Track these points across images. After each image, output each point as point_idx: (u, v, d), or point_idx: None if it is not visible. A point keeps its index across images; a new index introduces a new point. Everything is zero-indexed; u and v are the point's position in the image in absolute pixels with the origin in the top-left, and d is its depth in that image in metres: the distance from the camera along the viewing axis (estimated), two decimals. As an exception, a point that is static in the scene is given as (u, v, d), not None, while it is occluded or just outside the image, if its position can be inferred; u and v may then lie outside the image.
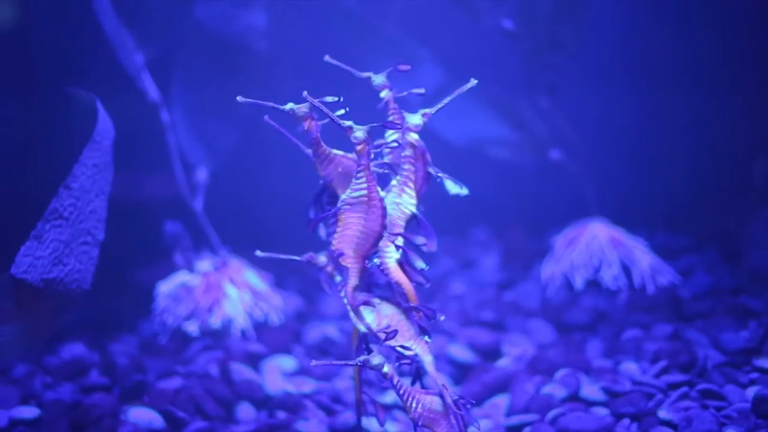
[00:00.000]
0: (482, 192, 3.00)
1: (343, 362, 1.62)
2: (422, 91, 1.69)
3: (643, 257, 2.64)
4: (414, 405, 1.65)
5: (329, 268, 1.77)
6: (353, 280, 1.67)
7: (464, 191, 1.73)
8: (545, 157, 2.75)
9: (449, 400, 1.67)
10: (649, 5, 2.83)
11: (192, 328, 2.51)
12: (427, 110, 1.70)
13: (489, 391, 2.19)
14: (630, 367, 2.21)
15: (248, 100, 1.67)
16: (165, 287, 2.57)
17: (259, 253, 1.74)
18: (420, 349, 1.70)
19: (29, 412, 2.10)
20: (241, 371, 2.30)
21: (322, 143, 1.69)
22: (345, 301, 1.69)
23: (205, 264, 2.58)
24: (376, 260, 1.69)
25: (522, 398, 2.10)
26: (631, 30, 2.84)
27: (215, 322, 2.50)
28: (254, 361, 2.38)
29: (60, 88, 2.15)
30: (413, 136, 1.69)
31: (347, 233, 1.66)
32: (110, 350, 2.47)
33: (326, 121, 1.64)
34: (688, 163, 2.91)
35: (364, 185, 1.63)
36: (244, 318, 2.51)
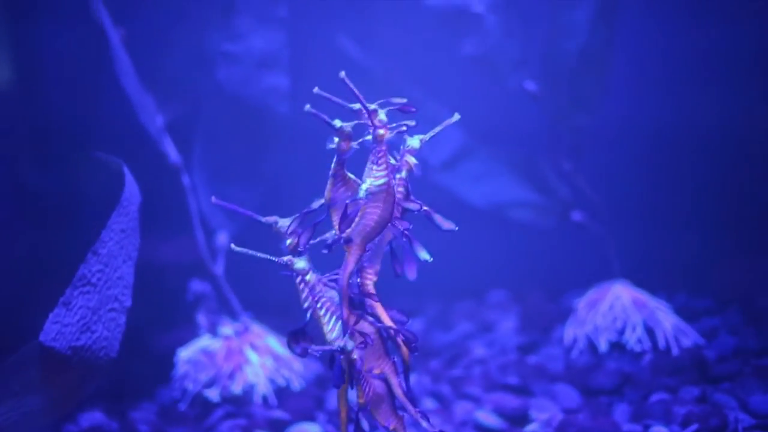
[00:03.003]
0: (500, 254, 3.02)
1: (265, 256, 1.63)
2: (413, 123, 1.66)
3: (666, 319, 2.62)
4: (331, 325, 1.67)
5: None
6: (352, 266, 1.65)
7: (454, 228, 1.69)
8: (566, 219, 2.75)
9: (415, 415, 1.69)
10: (669, 66, 2.83)
11: (213, 394, 2.47)
12: (424, 136, 1.68)
13: (520, 457, 2.16)
14: (660, 431, 2.18)
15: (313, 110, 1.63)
16: (185, 353, 2.54)
17: (234, 246, 1.69)
18: (387, 369, 1.69)
19: (53, 481, 2.07)
20: (266, 439, 2.27)
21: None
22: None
23: (226, 329, 2.55)
24: (358, 279, 1.68)
25: (556, 464, 2.07)
26: (650, 91, 2.84)
27: (237, 388, 2.47)
28: (278, 428, 2.34)
29: (86, 154, 2.13)
30: (411, 159, 1.67)
31: (365, 222, 1.64)
32: (130, 418, 2.43)
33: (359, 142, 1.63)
34: (706, 223, 2.90)
35: (384, 173, 1.62)
36: (265, 384, 2.48)
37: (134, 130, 2.40)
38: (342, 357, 1.64)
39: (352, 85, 1.56)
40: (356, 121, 1.63)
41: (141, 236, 2.12)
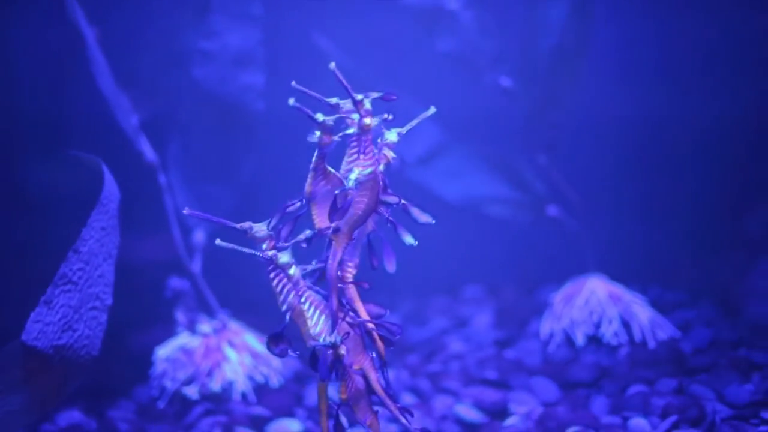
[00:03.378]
0: (474, 250, 3.03)
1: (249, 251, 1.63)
2: (390, 117, 1.67)
3: (642, 312, 2.64)
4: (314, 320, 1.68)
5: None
6: (340, 255, 1.66)
7: (431, 221, 1.70)
8: (542, 214, 2.76)
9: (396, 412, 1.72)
10: (647, 61, 2.86)
11: (192, 392, 2.47)
12: (401, 129, 1.68)
13: (500, 450, 2.17)
14: (639, 422, 2.19)
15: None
16: (163, 351, 2.54)
17: (219, 241, 1.68)
18: (366, 364, 1.71)
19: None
20: (247, 436, 2.27)
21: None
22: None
23: (204, 327, 2.55)
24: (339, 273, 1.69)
25: (536, 457, 2.09)
26: (626, 87, 2.86)
27: (215, 385, 2.47)
28: (258, 424, 2.34)
29: (63, 152, 2.12)
30: (389, 153, 1.68)
31: (353, 212, 1.65)
32: (108, 416, 2.42)
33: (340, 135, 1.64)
34: (680, 217, 2.93)
35: (371, 162, 1.63)
36: (244, 381, 2.48)
37: (110, 129, 2.39)
38: (330, 351, 1.65)
39: (341, 76, 1.57)
40: (338, 115, 1.64)
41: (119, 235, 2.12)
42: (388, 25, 2.80)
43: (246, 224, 1.67)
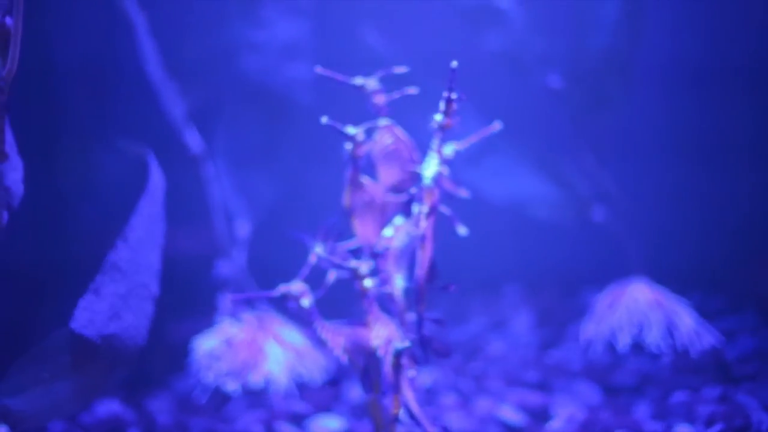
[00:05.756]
0: (515, 249, 3.01)
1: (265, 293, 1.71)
2: (415, 91, 1.67)
3: (686, 318, 2.62)
4: (333, 342, 1.71)
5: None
6: (428, 260, 1.66)
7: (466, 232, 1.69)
8: (587, 216, 2.74)
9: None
10: (697, 67, 2.83)
11: (232, 385, 2.45)
12: (458, 145, 1.68)
13: (544, 453, 2.15)
14: (684, 429, 2.17)
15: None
16: (204, 343, 2.52)
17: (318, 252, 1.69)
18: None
19: (73, 471, 2.05)
20: (288, 431, 2.25)
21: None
22: None
23: (247, 320, 2.54)
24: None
25: (582, 461, 2.07)
26: (675, 89, 2.84)
27: (256, 380, 2.45)
28: (298, 420, 2.32)
29: (111, 141, 2.11)
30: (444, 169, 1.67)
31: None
32: (147, 408, 2.41)
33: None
34: (724, 222, 2.91)
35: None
36: (285, 376, 2.47)
37: (157, 117, 2.38)
38: (395, 360, 1.64)
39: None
40: (368, 125, 1.65)
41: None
42: (436, 21, 2.79)
43: (282, 288, 1.73)
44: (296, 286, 1.64)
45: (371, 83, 1.67)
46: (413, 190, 1.65)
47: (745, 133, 2.84)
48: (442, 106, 1.62)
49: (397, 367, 1.65)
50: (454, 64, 1.58)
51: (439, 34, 2.79)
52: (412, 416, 1.73)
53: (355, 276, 1.64)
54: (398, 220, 1.70)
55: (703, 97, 2.84)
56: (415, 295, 1.67)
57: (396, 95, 1.67)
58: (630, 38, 2.60)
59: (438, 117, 1.63)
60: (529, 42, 2.66)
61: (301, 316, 1.67)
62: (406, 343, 1.62)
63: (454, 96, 1.61)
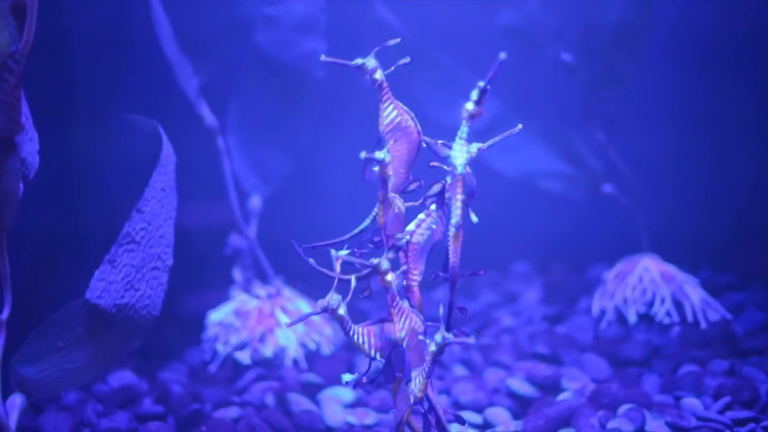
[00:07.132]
0: (525, 225, 3.03)
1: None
2: (407, 60, 1.68)
3: (694, 293, 2.63)
4: (368, 344, 1.73)
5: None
6: (459, 251, 1.70)
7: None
8: (597, 191, 2.75)
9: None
10: (707, 44, 2.84)
11: (244, 356, 2.48)
12: (482, 144, 1.69)
13: (553, 425, 2.15)
14: (692, 402, 2.18)
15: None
16: (217, 315, 2.55)
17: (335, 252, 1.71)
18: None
19: (87, 439, 2.08)
20: (300, 402, 2.26)
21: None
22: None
23: (259, 291, 2.56)
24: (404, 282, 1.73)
25: (589, 433, 2.08)
26: (685, 67, 2.85)
27: (268, 351, 2.48)
28: (310, 391, 2.34)
29: (121, 115, 2.12)
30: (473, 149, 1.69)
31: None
32: (161, 378, 2.43)
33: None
34: (731, 199, 2.92)
35: (392, 109, 1.68)
36: (296, 347, 2.49)
37: (171, 91, 2.39)
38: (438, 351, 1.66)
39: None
40: (383, 136, 1.67)
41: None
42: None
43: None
44: (333, 299, 1.65)
45: (370, 62, 1.69)
46: (447, 180, 1.67)
47: (756, 111, 2.85)
48: (474, 95, 1.62)
49: (435, 357, 1.67)
50: (503, 56, 1.59)
51: (451, 10, 2.80)
52: (431, 404, 1.76)
53: (377, 272, 1.66)
54: (421, 215, 1.73)
55: (714, 73, 2.84)
56: (450, 283, 1.70)
57: (391, 69, 1.68)
58: (641, 15, 2.61)
59: (470, 106, 1.63)
60: (541, 18, 2.66)
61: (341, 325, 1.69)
62: (450, 337, 1.64)
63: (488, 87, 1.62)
